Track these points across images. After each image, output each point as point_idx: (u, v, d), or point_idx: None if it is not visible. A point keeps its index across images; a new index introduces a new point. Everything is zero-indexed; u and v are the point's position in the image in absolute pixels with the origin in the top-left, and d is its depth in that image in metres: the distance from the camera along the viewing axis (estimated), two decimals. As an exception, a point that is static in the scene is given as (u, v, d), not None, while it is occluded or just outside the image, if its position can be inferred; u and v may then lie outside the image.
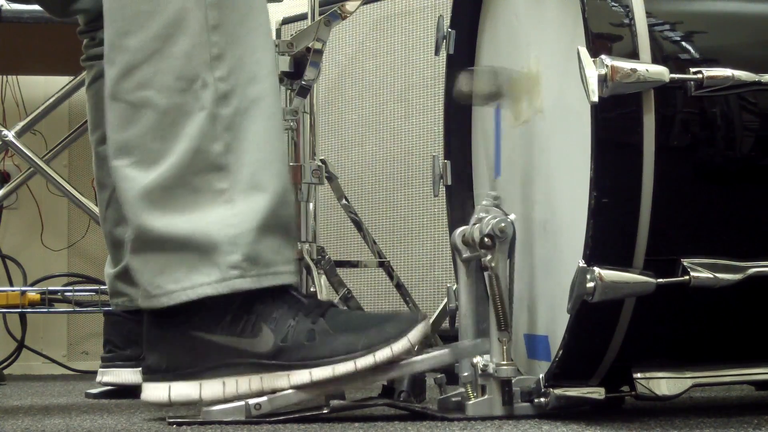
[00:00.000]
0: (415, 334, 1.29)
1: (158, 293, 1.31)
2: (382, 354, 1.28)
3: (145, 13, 1.30)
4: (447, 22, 1.70)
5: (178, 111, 1.30)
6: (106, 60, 1.34)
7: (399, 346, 1.28)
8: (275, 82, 1.36)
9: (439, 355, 1.33)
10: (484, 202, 1.34)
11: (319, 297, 2.05)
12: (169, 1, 1.29)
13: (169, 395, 1.30)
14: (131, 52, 1.31)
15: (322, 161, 2.37)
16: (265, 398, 1.28)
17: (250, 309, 1.30)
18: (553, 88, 1.36)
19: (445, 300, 2.29)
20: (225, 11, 1.31)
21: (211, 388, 1.29)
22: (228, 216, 1.30)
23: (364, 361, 1.28)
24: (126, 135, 1.32)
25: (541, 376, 1.27)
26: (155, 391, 1.31)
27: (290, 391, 1.29)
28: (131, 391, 1.89)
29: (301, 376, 1.28)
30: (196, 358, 1.30)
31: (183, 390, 1.30)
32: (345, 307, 2.16)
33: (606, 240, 1.19)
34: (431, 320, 2.09)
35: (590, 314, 1.20)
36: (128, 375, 1.92)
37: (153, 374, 1.32)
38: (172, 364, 1.31)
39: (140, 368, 1.89)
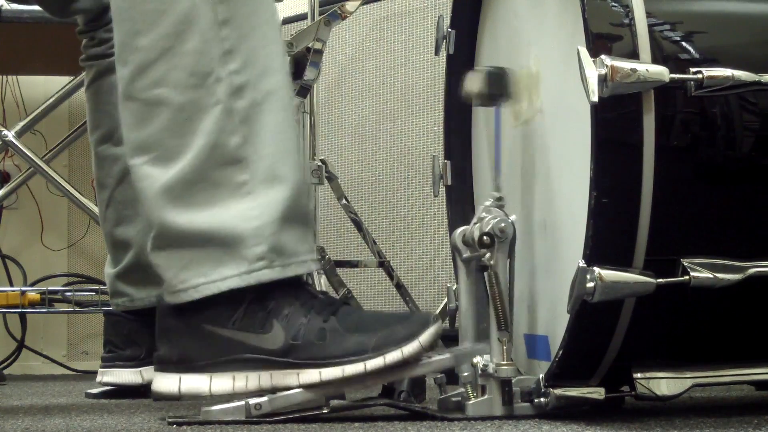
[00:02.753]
0: (426, 337, 1.29)
1: (185, 287, 1.31)
2: (392, 356, 1.28)
3: (155, 12, 1.31)
4: (447, 22, 1.70)
5: (193, 107, 1.31)
6: (117, 60, 1.35)
7: (410, 348, 1.28)
8: (287, 74, 1.37)
9: (441, 359, 1.32)
10: (486, 203, 1.34)
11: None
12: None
13: (179, 388, 1.30)
14: (143, 51, 1.32)
15: (322, 161, 2.37)
16: (265, 398, 1.28)
17: (262, 305, 1.31)
18: (553, 88, 1.36)
19: (445, 300, 2.29)
20: (234, 6, 1.32)
21: (221, 382, 1.29)
22: (249, 208, 1.31)
23: (374, 363, 1.28)
24: (143, 133, 1.33)
25: (541, 376, 1.27)
26: (166, 383, 1.31)
27: (291, 391, 1.29)
28: (131, 391, 1.90)
29: (311, 375, 1.28)
30: (207, 352, 1.30)
31: (193, 383, 1.30)
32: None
33: (606, 240, 1.19)
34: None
35: (590, 314, 1.20)
36: (128, 375, 1.92)
37: (164, 365, 1.32)
38: (184, 356, 1.31)
39: (140, 369, 1.91)
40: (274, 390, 1.29)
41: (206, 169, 1.31)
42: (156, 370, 1.33)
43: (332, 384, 1.29)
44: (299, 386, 1.28)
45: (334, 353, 1.28)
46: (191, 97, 1.31)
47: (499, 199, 1.34)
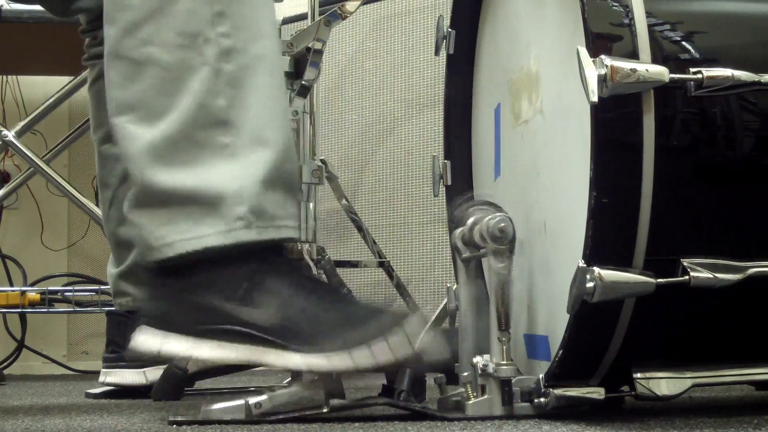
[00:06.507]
0: (411, 328, 1.28)
1: (161, 244, 1.30)
2: (379, 349, 1.27)
3: None
4: (447, 22, 1.70)
5: (181, 67, 1.31)
6: (106, 18, 1.35)
7: (395, 340, 1.26)
8: (277, 40, 1.38)
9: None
10: (473, 207, 1.33)
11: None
12: None
13: (160, 347, 1.29)
14: (133, 10, 1.32)
15: (322, 161, 2.37)
16: (265, 397, 1.28)
17: (255, 280, 1.30)
18: (553, 88, 1.36)
19: (445, 300, 2.29)
20: None
21: (205, 348, 1.28)
22: (232, 170, 1.30)
23: (361, 355, 1.27)
24: (128, 92, 1.33)
25: (541, 376, 1.27)
26: (147, 340, 1.30)
27: (291, 389, 1.29)
28: (133, 392, 1.90)
29: (295, 359, 1.27)
30: (196, 318, 1.29)
31: (176, 345, 1.29)
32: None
33: (606, 240, 1.19)
34: (431, 320, 2.09)
35: (590, 314, 1.20)
36: (132, 376, 1.92)
37: (149, 323, 1.31)
38: (171, 319, 1.30)
39: (144, 369, 1.91)
40: (254, 365, 1.27)
41: (191, 129, 1.30)
42: (142, 323, 1.31)
43: (317, 373, 1.28)
44: (282, 367, 1.27)
45: (323, 341, 1.27)
46: (179, 57, 1.31)
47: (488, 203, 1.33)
